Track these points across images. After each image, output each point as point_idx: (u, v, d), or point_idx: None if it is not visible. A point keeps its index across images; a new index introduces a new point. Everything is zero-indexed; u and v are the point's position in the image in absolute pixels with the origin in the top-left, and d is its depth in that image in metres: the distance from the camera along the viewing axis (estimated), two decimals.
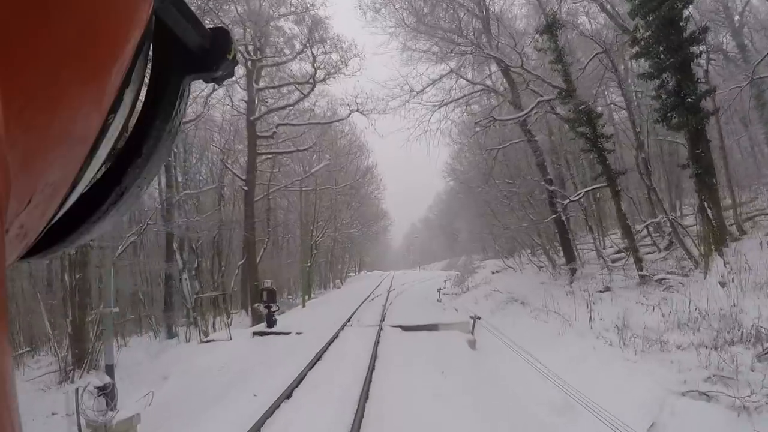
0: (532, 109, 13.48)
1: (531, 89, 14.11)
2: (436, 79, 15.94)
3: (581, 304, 10.80)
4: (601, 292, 12.57)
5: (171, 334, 16.46)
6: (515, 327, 9.48)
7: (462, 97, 16.97)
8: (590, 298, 10.88)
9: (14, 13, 0.15)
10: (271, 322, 9.47)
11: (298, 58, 18.28)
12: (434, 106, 17.01)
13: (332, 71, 18.01)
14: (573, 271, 15.66)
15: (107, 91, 0.21)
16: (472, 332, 8.20)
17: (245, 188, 16.88)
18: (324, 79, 18.04)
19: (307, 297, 19.04)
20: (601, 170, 13.40)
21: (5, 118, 0.15)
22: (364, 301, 15.09)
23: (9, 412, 0.15)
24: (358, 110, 17.88)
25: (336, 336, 8.25)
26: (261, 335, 9.46)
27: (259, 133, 18.01)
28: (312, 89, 16.44)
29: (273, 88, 19.08)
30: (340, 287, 25.77)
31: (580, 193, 13.26)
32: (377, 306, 13.45)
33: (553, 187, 13.92)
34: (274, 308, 9.45)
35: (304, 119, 20.90)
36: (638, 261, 11.47)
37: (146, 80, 0.28)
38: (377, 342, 7.40)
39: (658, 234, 14.66)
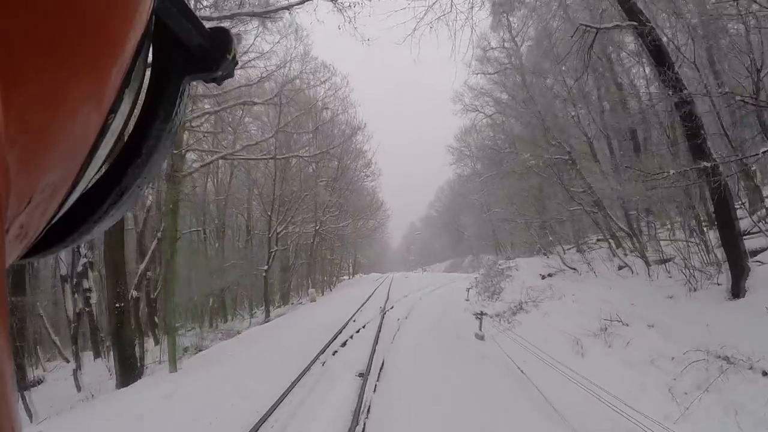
0: None
1: None
2: None
3: None
4: None
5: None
6: None
7: None
8: None
9: (14, 13, 0.14)
10: None
11: None
12: None
13: None
14: (741, 273, 7.30)
15: (107, 91, 0.20)
16: None
17: None
18: None
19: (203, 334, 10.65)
20: None
21: (5, 118, 0.14)
22: (324, 351, 6.64)
23: (9, 413, 0.14)
24: None
25: None
26: None
27: None
28: None
29: None
30: (315, 300, 17.26)
31: None
32: (345, 377, 4.96)
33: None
34: None
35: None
36: None
37: (146, 80, 0.27)
38: None
39: None
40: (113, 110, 0.22)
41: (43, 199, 0.19)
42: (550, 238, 16.01)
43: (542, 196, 18.07)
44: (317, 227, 22.85)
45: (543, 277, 14.47)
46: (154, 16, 0.24)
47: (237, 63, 0.31)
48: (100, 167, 0.24)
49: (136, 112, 0.26)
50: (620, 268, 13.19)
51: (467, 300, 15.10)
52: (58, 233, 0.24)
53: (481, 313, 7.92)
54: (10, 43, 0.14)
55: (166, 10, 0.25)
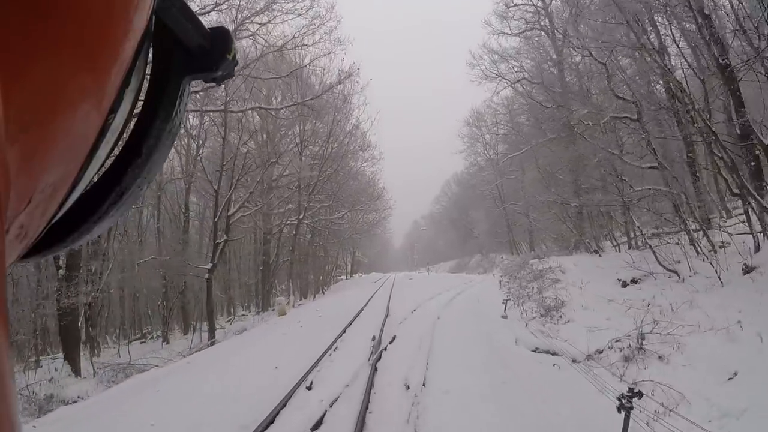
0: None
1: None
2: None
3: None
4: None
5: None
6: None
7: None
8: None
9: (14, 13, 0.14)
10: None
11: None
12: None
13: None
14: None
15: (107, 91, 0.20)
16: None
17: None
18: None
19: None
20: None
21: (5, 118, 0.14)
22: None
23: (9, 412, 0.14)
24: None
25: None
26: None
27: None
28: None
29: None
30: (285, 314, 12.15)
31: None
32: None
33: None
34: None
35: None
36: None
37: (146, 80, 0.27)
38: None
39: None
40: (113, 110, 0.22)
41: (43, 199, 0.18)
42: (635, 226, 10.91)
43: (585, 173, 13.01)
44: (301, 216, 17.88)
45: (624, 284, 9.48)
46: (154, 16, 0.23)
47: (237, 63, 0.30)
48: (100, 167, 0.24)
49: (136, 111, 0.26)
50: (747, 270, 8.18)
51: (504, 317, 10.12)
52: (58, 233, 0.23)
53: (630, 399, 2.88)
54: (10, 42, 0.14)
55: (166, 10, 0.25)
